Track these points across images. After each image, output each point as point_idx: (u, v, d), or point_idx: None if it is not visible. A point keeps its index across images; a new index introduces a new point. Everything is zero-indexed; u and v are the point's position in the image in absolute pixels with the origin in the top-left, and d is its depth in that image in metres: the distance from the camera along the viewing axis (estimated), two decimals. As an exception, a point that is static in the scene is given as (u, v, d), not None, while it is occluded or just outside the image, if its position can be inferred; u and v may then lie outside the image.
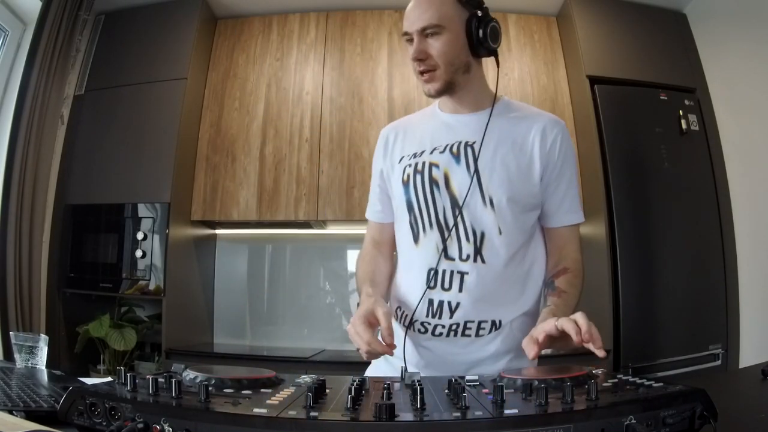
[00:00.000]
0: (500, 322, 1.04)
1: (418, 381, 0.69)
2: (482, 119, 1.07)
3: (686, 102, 2.64)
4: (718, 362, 2.42)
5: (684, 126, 2.58)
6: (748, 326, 2.44)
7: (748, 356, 2.39)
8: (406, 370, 0.79)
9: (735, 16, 2.58)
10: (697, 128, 2.62)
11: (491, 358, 1.04)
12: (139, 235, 2.57)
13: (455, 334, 1.04)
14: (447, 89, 1.05)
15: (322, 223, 2.87)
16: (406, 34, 1.04)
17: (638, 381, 0.65)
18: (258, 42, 2.95)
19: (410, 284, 1.08)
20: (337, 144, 2.76)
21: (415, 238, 1.07)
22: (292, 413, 0.53)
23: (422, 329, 1.06)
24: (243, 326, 2.99)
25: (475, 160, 1.04)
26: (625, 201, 2.47)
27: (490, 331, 1.04)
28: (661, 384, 0.62)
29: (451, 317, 1.03)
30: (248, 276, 3.04)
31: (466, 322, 1.03)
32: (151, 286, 2.55)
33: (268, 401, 0.59)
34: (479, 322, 1.03)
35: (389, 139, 1.19)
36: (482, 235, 1.03)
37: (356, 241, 3.08)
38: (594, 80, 2.61)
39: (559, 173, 1.07)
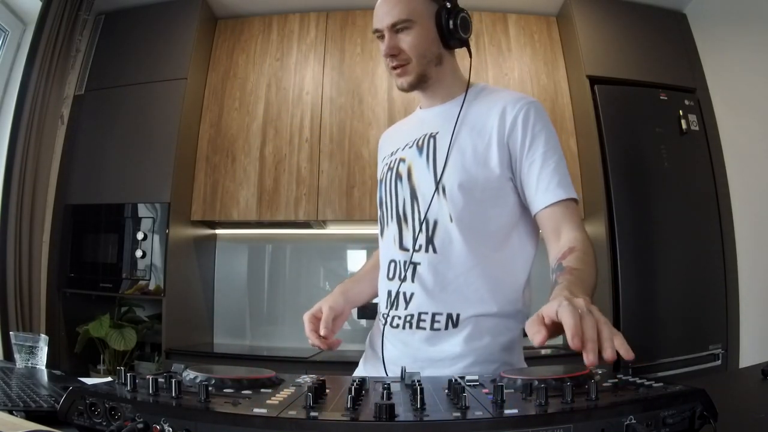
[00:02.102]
0: (458, 316, 0.99)
1: (418, 381, 0.69)
2: (449, 109, 1.08)
3: (686, 102, 2.64)
4: (718, 362, 2.42)
5: (684, 126, 2.58)
6: (748, 326, 2.44)
7: (748, 356, 2.39)
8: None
9: (735, 16, 2.58)
10: (697, 128, 2.62)
11: (448, 359, 0.98)
12: (139, 235, 2.57)
13: (410, 326, 1.01)
14: (419, 82, 1.06)
15: (322, 223, 2.86)
16: (376, 31, 1.05)
17: (638, 381, 0.65)
18: (258, 42, 2.95)
19: (380, 277, 1.12)
20: (337, 144, 2.76)
21: (381, 232, 1.12)
22: (292, 413, 0.53)
23: (383, 321, 1.07)
24: (243, 326, 2.99)
25: (434, 150, 1.04)
26: (625, 201, 2.47)
27: (447, 326, 0.99)
28: (661, 384, 0.62)
29: (406, 308, 1.03)
30: (248, 276, 3.04)
31: (420, 314, 1.01)
32: (151, 286, 2.55)
33: (268, 401, 0.59)
34: (433, 314, 1.00)
35: (380, 146, 1.25)
36: (435, 223, 1.01)
37: (356, 241, 3.09)
38: (594, 80, 2.61)
39: (528, 152, 0.98)
